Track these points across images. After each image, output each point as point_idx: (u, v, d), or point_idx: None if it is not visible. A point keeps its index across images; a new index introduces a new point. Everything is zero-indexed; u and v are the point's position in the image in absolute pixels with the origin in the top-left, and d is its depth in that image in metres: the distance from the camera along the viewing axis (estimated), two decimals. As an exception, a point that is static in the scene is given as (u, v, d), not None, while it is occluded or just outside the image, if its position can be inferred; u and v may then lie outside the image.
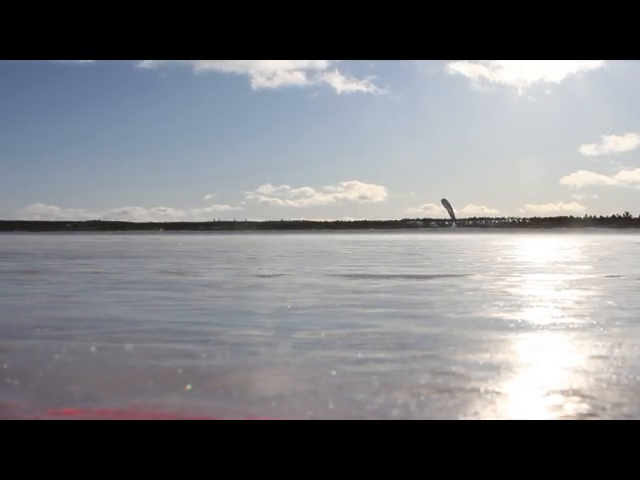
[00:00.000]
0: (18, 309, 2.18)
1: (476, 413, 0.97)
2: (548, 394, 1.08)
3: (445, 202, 33.45)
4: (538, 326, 1.73)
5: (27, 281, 3.33)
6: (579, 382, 1.15)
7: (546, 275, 3.35)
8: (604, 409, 0.98)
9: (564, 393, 1.08)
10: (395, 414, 0.95)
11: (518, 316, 1.89)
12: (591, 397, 1.05)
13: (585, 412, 0.97)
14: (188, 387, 1.12)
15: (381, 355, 1.36)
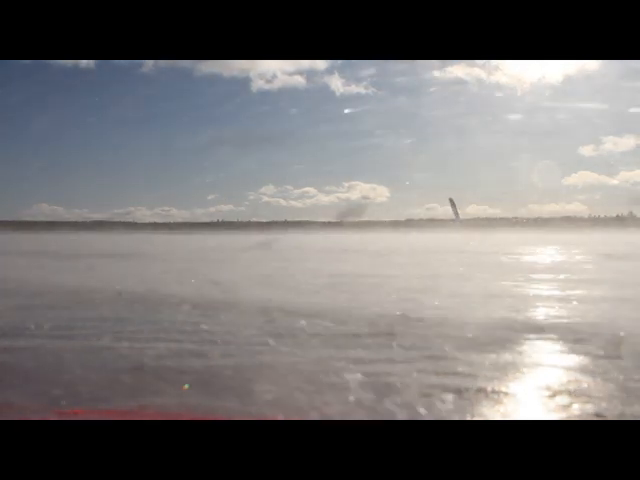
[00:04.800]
0: (24, 309, 2.19)
1: (482, 413, 0.97)
2: (555, 394, 1.08)
3: (451, 201, 33.34)
4: (544, 326, 1.73)
5: (32, 280, 3.34)
6: (586, 382, 1.15)
7: (551, 275, 3.35)
8: (610, 409, 0.98)
9: (571, 394, 1.08)
10: (402, 414, 0.95)
11: (524, 316, 1.89)
12: (598, 397, 1.05)
13: (592, 412, 0.97)
14: (186, 386, 1.12)
15: (388, 355, 1.36)
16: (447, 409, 1.05)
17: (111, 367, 1.30)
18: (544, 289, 3.24)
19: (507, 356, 1.49)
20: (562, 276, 3.39)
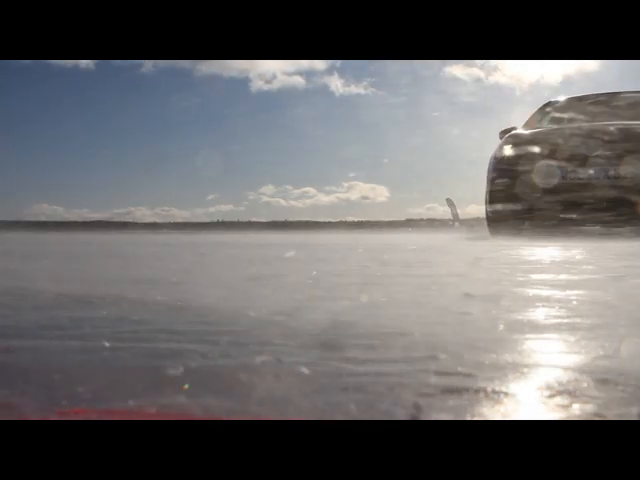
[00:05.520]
0: (23, 309, 2.18)
1: (483, 414, 0.97)
2: (555, 394, 1.08)
3: (449, 201, 32.75)
4: (544, 326, 1.73)
5: (31, 280, 3.34)
6: (586, 382, 1.15)
7: (551, 275, 3.34)
8: (612, 409, 0.98)
9: (571, 394, 1.08)
10: (401, 414, 0.95)
11: (524, 316, 1.89)
12: (598, 397, 1.05)
13: (592, 412, 0.97)
14: (186, 386, 1.12)
15: (387, 355, 1.36)
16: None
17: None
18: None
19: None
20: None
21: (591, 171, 6.83)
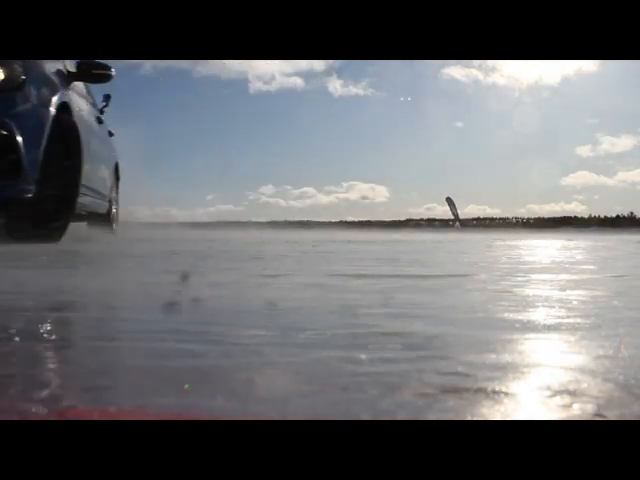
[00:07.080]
0: (23, 309, 2.18)
1: (483, 414, 0.97)
2: (555, 394, 1.08)
3: (449, 200, 32.64)
4: (544, 326, 1.73)
5: (31, 281, 3.34)
6: (586, 382, 1.15)
7: (551, 275, 3.34)
8: (612, 409, 0.98)
9: (571, 394, 1.08)
10: (402, 414, 0.95)
11: (524, 316, 1.89)
12: (598, 397, 1.05)
13: (592, 412, 0.97)
14: (186, 386, 1.12)
15: (387, 355, 1.36)
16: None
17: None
18: None
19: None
20: None
21: None
